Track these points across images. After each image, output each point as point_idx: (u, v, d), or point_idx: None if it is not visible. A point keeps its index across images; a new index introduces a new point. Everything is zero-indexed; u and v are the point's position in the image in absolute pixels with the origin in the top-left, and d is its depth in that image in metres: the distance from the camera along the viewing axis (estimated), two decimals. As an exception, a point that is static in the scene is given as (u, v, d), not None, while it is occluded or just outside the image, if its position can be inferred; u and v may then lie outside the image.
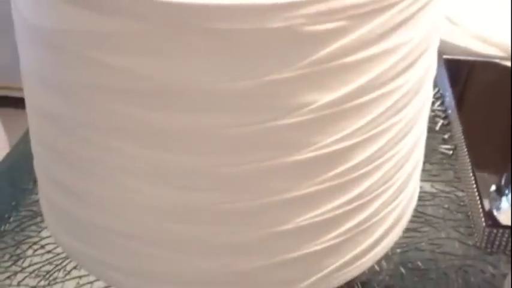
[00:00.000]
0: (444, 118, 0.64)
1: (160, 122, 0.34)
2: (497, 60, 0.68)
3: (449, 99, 0.65)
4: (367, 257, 0.45)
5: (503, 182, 0.55)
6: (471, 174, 0.54)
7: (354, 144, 0.38)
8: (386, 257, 0.47)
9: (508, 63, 0.66)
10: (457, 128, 0.60)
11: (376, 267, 0.46)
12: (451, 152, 0.60)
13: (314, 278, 0.42)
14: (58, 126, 0.39)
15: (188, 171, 0.36)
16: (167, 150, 0.36)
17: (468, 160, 0.55)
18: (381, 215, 0.44)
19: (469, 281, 0.46)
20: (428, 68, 0.44)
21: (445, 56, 0.70)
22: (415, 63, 0.40)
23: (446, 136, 0.61)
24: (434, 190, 0.55)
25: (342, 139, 0.37)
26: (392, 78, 0.38)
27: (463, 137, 0.58)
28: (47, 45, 0.36)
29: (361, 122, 0.38)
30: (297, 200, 0.38)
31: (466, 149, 0.57)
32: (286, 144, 0.36)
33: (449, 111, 0.64)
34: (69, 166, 0.40)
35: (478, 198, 0.51)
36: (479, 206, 0.50)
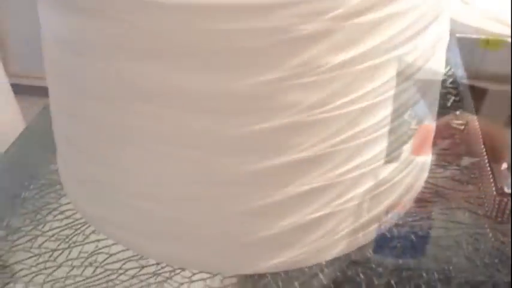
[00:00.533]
0: (456, 95, 0.65)
1: (177, 82, 0.35)
2: (508, 39, 0.68)
3: (461, 76, 0.65)
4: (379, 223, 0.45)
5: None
6: (482, 146, 0.54)
7: (365, 108, 0.39)
8: (397, 224, 0.48)
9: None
10: (469, 104, 0.61)
11: (387, 235, 0.47)
12: (462, 127, 0.60)
13: (326, 241, 0.43)
14: (80, 91, 0.40)
15: (201, 132, 0.37)
16: (184, 111, 0.37)
17: (479, 134, 0.56)
18: (393, 181, 0.44)
19: (479, 248, 0.47)
20: (439, 38, 0.45)
21: (457, 35, 0.71)
22: (425, 31, 0.41)
23: (457, 112, 0.62)
24: (445, 163, 0.56)
25: (352, 102, 0.38)
26: (401, 44, 0.39)
27: (474, 112, 0.59)
28: (71, 8, 0.37)
29: (372, 85, 0.38)
30: (306, 162, 0.39)
31: (477, 124, 0.57)
32: (296, 105, 0.37)
33: (461, 88, 0.65)
34: (88, 129, 0.41)
35: (489, 168, 0.51)
36: (490, 176, 0.51)
